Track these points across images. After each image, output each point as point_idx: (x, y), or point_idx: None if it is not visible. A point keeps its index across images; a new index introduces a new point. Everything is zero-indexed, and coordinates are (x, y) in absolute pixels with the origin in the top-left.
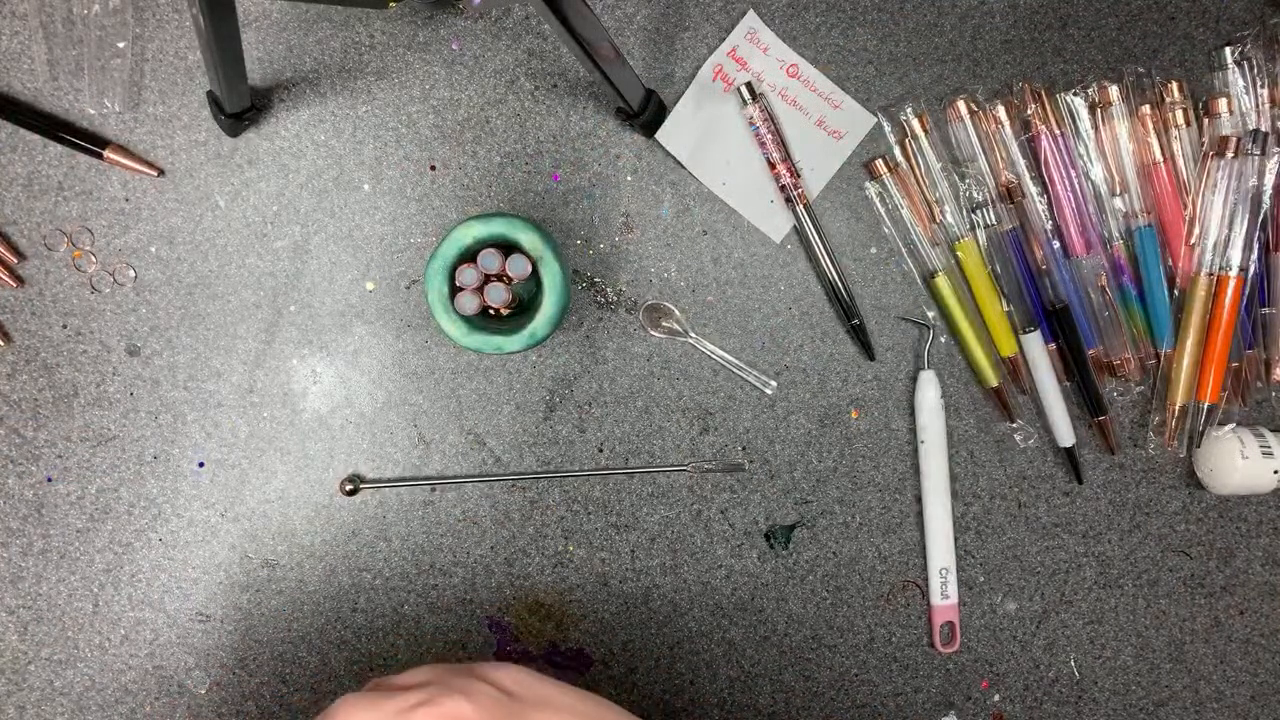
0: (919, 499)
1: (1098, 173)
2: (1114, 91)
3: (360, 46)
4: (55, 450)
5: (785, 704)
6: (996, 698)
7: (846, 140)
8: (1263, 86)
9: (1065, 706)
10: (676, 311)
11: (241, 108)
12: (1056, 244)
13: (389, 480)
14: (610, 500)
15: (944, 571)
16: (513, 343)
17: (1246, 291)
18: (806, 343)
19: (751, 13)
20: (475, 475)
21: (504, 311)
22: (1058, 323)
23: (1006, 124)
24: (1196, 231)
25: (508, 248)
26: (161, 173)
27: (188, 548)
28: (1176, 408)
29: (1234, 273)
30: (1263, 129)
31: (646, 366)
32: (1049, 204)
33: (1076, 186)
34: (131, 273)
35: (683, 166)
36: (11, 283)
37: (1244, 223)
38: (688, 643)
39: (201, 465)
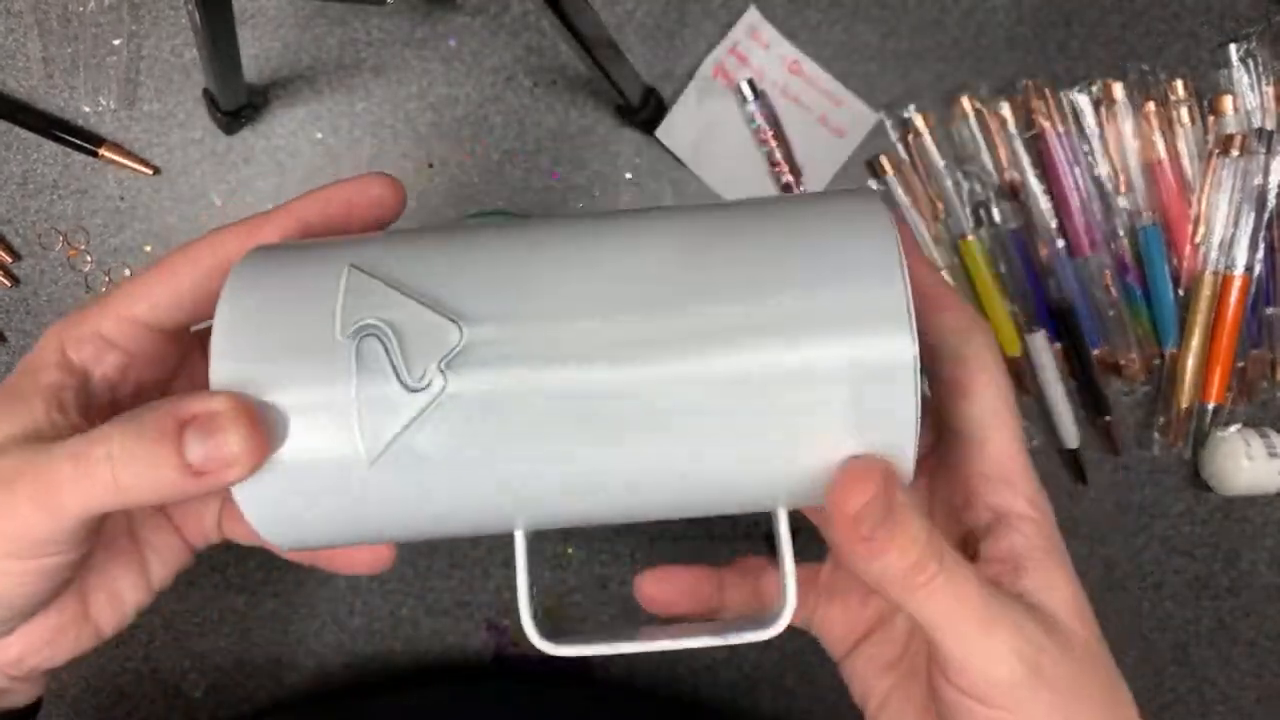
0: None
1: (1102, 171)
2: (1118, 89)
3: (357, 43)
4: None
5: (787, 707)
6: None
7: (849, 138)
8: (1268, 84)
9: None
10: None
11: (237, 105)
12: (1061, 243)
13: None
14: None
15: None
16: None
17: (1252, 291)
18: None
19: (753, 8)
20: None
21: None
22: (1062, 322)
23: (1010, 121)
24: (1202, 230)
25: None
26: (157, 171)
27: None
28: (1182, 408)
29: (1239, 272)
30: (1268, 127)
31: None
32: (1053, 202)
33: (1081, 185)
34: (127, 272)
35: (683, 164)
36: (6, 282)
37: (1249, 221)
38: None
39: None
